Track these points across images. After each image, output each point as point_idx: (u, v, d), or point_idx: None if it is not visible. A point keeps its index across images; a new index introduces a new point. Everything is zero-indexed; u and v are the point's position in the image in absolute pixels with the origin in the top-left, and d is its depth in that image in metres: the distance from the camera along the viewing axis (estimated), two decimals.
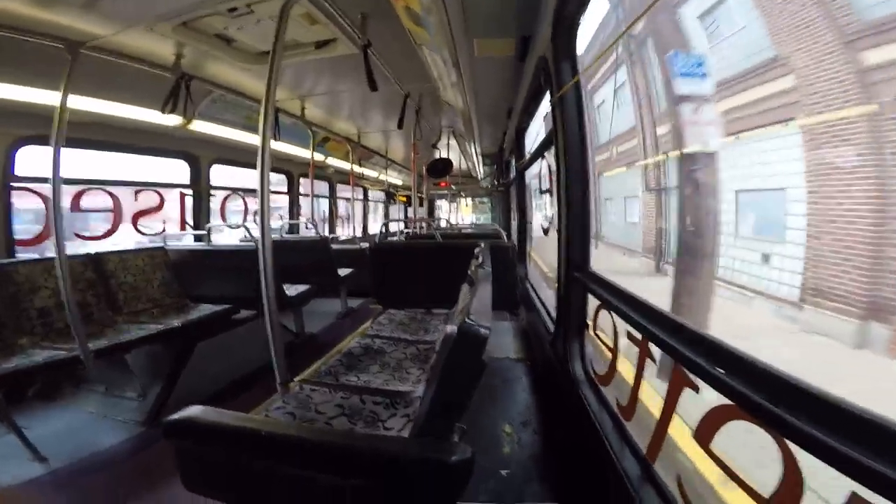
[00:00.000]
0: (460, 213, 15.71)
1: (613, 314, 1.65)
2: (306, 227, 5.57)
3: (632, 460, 1.33)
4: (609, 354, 1.72)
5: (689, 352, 1.05)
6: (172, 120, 3.07)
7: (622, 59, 6.82)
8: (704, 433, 0.97)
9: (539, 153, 3.41)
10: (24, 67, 2.39)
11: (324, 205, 7.10)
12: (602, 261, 7.58)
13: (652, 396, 1.68)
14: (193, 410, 1.11)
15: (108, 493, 1.89)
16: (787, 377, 0.77)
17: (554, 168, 2.38)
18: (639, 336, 1.35)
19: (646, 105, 6.72)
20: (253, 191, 5.09)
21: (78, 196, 3.25)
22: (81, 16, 2.13)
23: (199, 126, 3.50)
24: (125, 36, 2.35)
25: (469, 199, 15.84)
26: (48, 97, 2.45)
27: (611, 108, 8.56)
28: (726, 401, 0.91)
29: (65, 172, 2.30)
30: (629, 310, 1.45)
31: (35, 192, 2.83)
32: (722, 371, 0.92)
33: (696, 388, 1.06)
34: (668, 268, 6.24)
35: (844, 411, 0.66)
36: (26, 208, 2.86)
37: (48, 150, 2.25)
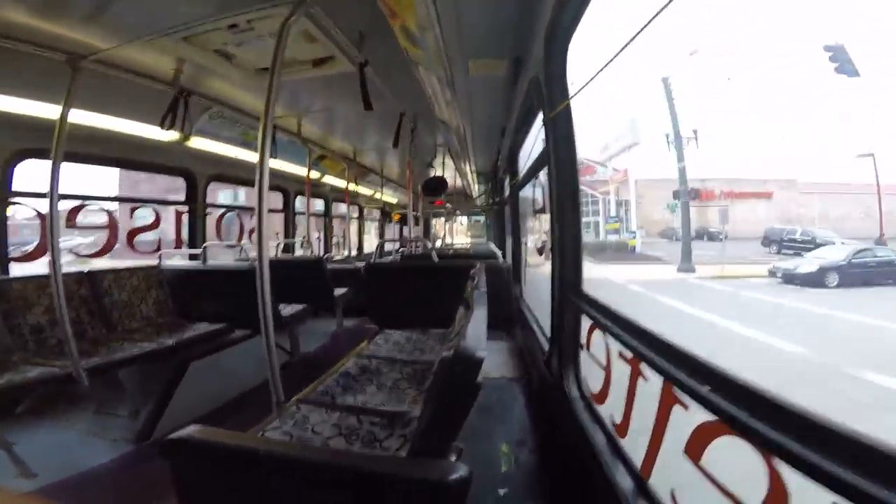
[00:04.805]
0: (456, 232, 15.69)
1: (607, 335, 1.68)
2: (301, 247, 5.55)
3: (627, 478, 1.35)
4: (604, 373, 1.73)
5: (676, 370, 1.09)
6: (170, 135, 3.09)
7: None
8: (694, 449, 0.99)
9: (532, 173, 3.45)
10: (25, 79, 2.39)
11: (319, 223, 7.11)
12: None
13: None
14: (191, 430, 1.09)
15: None
16: (770, 396, 0.80)
17: (546, 188, 2.42)
18: (630, 355, 1.40)
19: None
20: (250, 209, 5.09)
21: (73, 212, 3.24)
22: (83, 28, 2.14)
23: (197, 142, 3.52)
24: (126, 50, 2.36)
25: (465, 218, 15.87)
26: (48, 110, 2.44)
27: None
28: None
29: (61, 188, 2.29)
30: (621, 330, 1.48)
31: (31, 208, 2.82)
32: (708, 388, 0.95)
33: (685, 406, 1.09)
34: None
35: (824, 428, 0.69)
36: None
37: (45, 165, 2.25)
